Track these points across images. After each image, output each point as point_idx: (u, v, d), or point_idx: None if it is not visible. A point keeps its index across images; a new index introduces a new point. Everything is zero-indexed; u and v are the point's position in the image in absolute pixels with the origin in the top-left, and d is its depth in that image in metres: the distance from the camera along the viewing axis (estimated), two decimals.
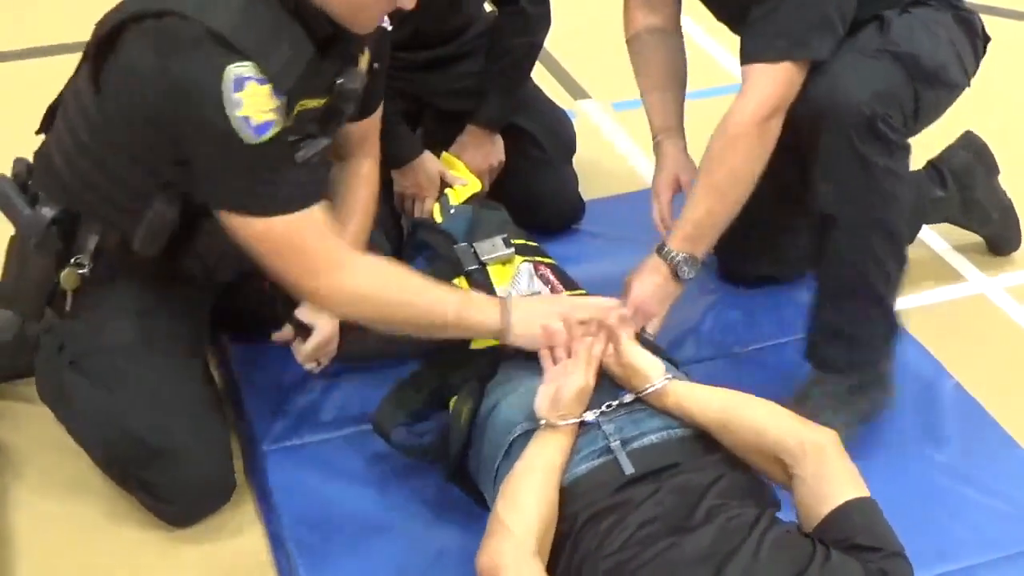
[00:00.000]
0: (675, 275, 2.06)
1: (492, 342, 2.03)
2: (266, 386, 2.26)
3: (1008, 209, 2.62)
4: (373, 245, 2.14)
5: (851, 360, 2.06)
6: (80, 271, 1.94)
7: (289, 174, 1.81)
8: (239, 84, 1.68)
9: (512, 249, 2.22)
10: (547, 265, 2.23)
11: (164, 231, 1.90)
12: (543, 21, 2.51)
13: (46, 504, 2.06)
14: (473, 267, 2.19)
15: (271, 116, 1.71)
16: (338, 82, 1.88)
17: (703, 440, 1.79)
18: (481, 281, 2.16)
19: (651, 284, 2.05)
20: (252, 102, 1.69)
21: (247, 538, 2.03)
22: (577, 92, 3.16)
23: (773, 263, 2.40)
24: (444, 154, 2.50)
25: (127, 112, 1.79)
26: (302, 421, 2.20)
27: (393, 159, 2.43)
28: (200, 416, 2.02)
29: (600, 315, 1.89)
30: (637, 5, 2.32)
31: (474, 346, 2.05)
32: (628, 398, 1.82)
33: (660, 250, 2.08)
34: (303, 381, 2.25)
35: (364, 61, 1.97)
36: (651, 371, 1.83)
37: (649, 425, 1.79)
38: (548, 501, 1.69)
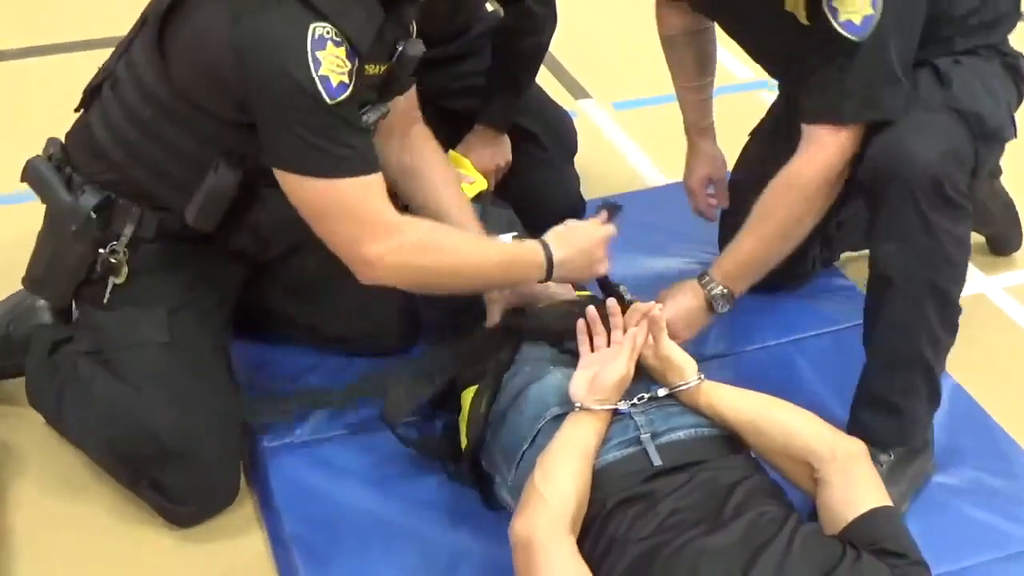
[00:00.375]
0: (709, 306, 2.08)
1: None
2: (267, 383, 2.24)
3: (1009, 208, 2.64)
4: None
5: (900, 433, 2.01)
6: (113, 260, 1.95)
7: (356, 138, 1.81)
8: (320, 43, 1.71)
9: None
10: None
11: (223, 201, 1.89)
12: (550, 21, 2.51)
13: (46, 504, 2.04)
14: None
15: (346, 79, 1.73)
16: (399, 48, 1.89)
17: (730, 441, 1.82)
18: None
19: (684, 307, 2.06)
20: (330, 63, 1.71)
21: (249, 537, 2.03)
22: (578, 92, 3.19)
23: (785, 277, 2.35)
24: (451, 152, 2.50)
25: (198, 75, 1.79)
26: (304, 418, 2.18)
27: None
28: (221, 420, 2.00)
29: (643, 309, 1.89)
30: (670, 7, 2.31)
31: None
32: (661, 392, 1.85)
33: (701, 277, 2.09)
34: (305, 378, 2.24)
35: (414, 31, 1.98)
36: (686, 368, 1.85)
37: (679, 421, 1.82)
38: (582, 480, 1.71)
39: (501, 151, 2.53)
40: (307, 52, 1.70)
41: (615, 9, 3.55)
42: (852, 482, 1.70)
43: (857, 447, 1.76)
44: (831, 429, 1.79)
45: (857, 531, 1.64)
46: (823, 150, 1.96)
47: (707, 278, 2.07)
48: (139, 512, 2.01)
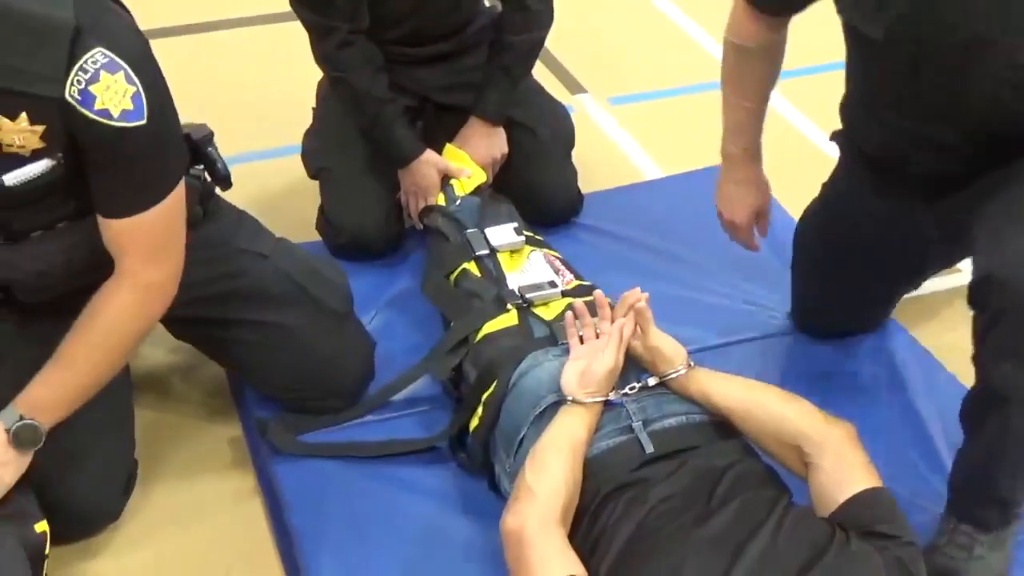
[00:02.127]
0: None
1: (504, 323, 2.05)
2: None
3: None
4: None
5: (1004, 519, 1.86)
6: None
7: None
8: None
9: (523, 238, 2.25)
10: (556, 255, 2.26)
11: None
12: (546, 17, 2.52)
13: None
14: (484, 252, 2.22)
15: None
16: None
17: (721, 426, 1.82)
18: (491, 267, 2.20)
19: None
20: None
21: (251, 523, 2.03)
22: (574, 87, 3.18)
23: (856, 324, 2.32)
24: (448, 146, 2.52)
25: None
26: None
27: (396, 160, 2.46)
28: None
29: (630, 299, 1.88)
30: (754, 17, 2.00)
31: (486, 331, 2.06)
32: (652, 381, 1.85)
33: None
34: None
35: (16, 133, 1.67)
36: (675, 356, 1.86)
37: (670, 408, 1.83)
38: (573, 473, 1.71)
39: (498, 144, 2.54)
40: None
41: (611, 4, 3.57)
42: (842, 465, 1.70)
43: (847, 431, 1.75)
44: (821, 413, 1.78)
45: (847, 513, 1.65)
46: None
47: None
48: (135, 499, 2.00)
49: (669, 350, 1.86)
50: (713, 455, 1.75)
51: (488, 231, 2.25)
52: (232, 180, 2.06)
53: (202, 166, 2.00)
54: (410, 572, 1.88)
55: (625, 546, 1.63)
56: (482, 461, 1.98)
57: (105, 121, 1.64)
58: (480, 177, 2.46)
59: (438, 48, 2.53)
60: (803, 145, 2.99)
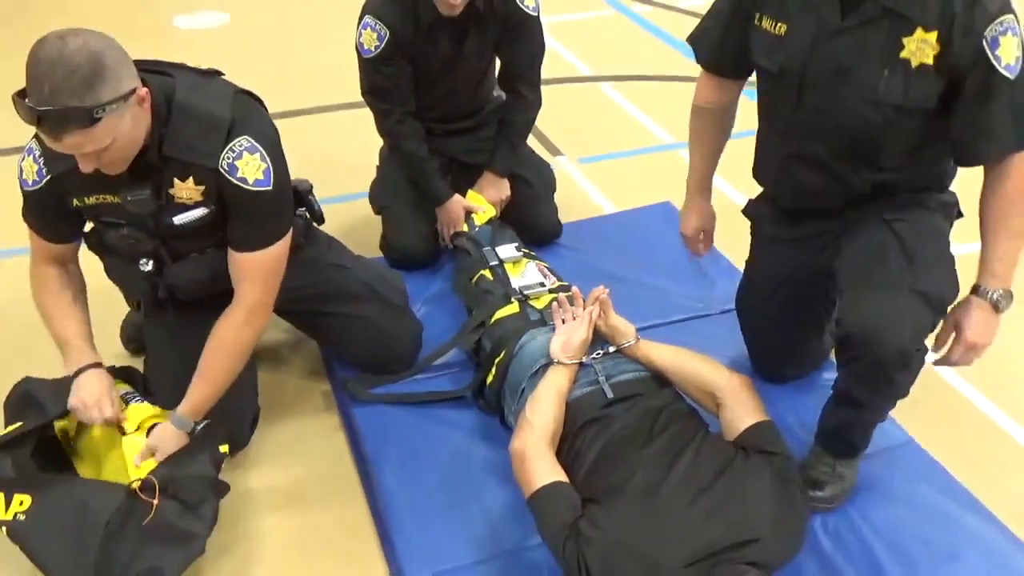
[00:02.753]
0: (995, 308, 1.63)
1: (509, 311, 2.02)
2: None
3: None
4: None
5: (853, 454, 1.81)
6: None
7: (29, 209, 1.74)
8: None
9: (522, 253, 2.24)
10: (544, 265, 2.24)
11: None
12: (536, 103, 2.50)
13: None
14: (495, 263, 2.20)
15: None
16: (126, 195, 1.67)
17: (659, 379, 1.82)
18: (500, 273, 2.18)
19: (982, 321, 1.62)
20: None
21: (337, 450, 1.98)
22: (555, 151, 3.14)
23: (800, 366, 2.10)
24: (470, 191, 2.50)
25: None
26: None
27: (434, 201, 2.44)
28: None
29: (596, 294, 1.87)
30: (711, 84, 1.89)
31: (497, 317, 2.04)
32: (611, 349, 1.85)
33: (978, 291, 1.63)
34: None
35: (186, 189, 1.69)
36: (628, 332, 1.85)
37: (624, 367, 1.82)
38: (558, 411, 1.72)
39: (504, 189, 2.52)
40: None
41: (578, 95, 3.56)
42: (742, 405, 1.70)
43: (744, 380, 1.74)
44: (727, 368, 1.78)
45: (745, 438, 1.65)
46: (1019, 168, 1.59)
47: (983, 288, 1.63)
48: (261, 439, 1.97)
49: (623, 328, 1.85)
50: (654, 399, 1.75)
51: (497, 248, 2.24)
52: (324, 217, 2.05)
53: (304, 208, 1.99)
54: (447, 480, 1.87)
55: (594, 461, 1.64)
56: (495, 405, 1.96)
57: (243, 186, 1.67)
58: (491, 212, 2.45)
59: (462, 124, 2.52)
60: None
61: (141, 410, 1.77)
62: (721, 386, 1.74)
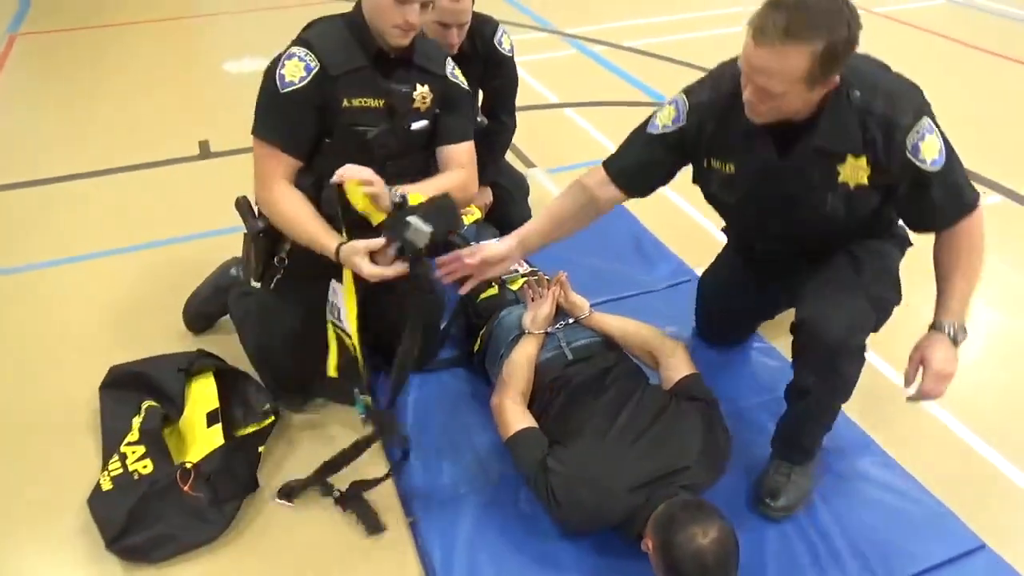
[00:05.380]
0: (954, 342, 1.54)
1: (491, 292, 2.01)
2: None
3: None
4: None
5: (807, 458, 1.71)
6: (276, 263, 1.77)
7: (286, 123, 1.60)
8: (289, 56, 1.60)
9: None
10: None
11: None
12: (513, 126, 2.50)
13: None
14: None
15: (297, 81, 1.57)
16: (391, 86, 1.61)
17: (609, 343, 1.85)
18: None
19: (944, 355, 1.53)
20: (290, 69, 1.59)
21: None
22: (528, 163, 3.14)
23: (746, 335, 2.08)
24: None
25: None
26: None
27: None
28: (299, 339, 1.79)
29: (559, 275, 1.87)
30: (599, 184, 1.65)
31: (483, 296, 2.02)
32: (571, 320, 1.88)
33: (937, 326, 1.54)
34: None
35: (422, 93, 1.65)
36: (583, 306, 1.90)
37: (582, 335, 1.86)
38: (529, 372, 1.76)
39: (486, 196, 2.49)
40: (280, 61, 1.59)
41: (545, 119, 3.54)
42: (676, 362, 1.75)
43: (678, 343, 1.78)
44: (664, 333, 1.82)
45: (679, 388, 1.70)
46: (973, 221, 1.54)
47: (941, 323, 1.54)
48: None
49: (580, 303, 1.89)
50: (605, 359, 1.78)
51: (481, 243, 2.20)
52: None
53: None
54: (448, 418, 1.88)
55: (558, 411, 1.68)
56: (483, 367, 1.96)
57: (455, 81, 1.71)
58: (476, 214, 2.43)
59: None
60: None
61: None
62: (659, 347, 1.79)
